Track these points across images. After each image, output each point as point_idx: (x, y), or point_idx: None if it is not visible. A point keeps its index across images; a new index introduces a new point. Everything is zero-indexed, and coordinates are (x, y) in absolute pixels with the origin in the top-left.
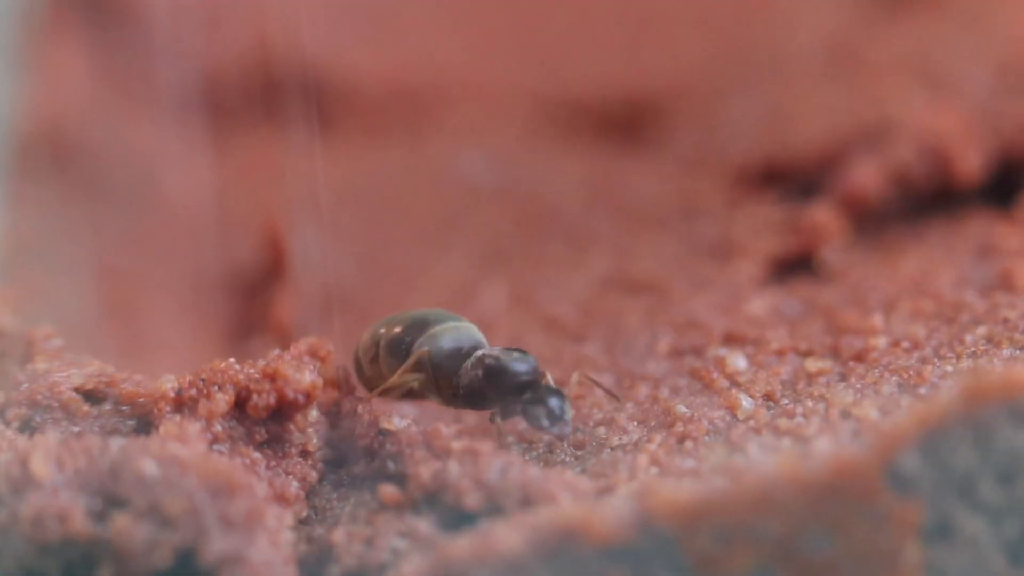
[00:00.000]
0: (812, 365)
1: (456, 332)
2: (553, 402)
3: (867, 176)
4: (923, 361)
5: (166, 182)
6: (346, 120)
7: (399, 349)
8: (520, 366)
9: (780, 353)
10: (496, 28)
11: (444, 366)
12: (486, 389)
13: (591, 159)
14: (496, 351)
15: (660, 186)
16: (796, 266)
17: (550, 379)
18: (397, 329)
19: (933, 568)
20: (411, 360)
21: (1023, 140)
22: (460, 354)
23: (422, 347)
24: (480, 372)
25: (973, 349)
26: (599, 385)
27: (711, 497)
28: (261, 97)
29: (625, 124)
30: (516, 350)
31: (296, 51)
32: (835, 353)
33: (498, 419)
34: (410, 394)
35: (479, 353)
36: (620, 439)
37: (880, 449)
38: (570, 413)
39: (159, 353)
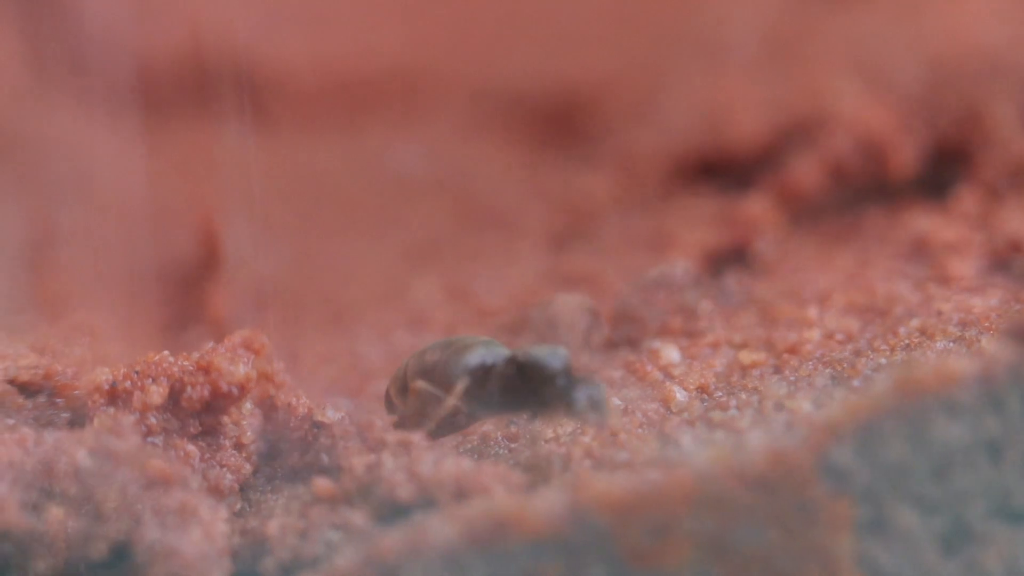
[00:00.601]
0: (746, 357)
1: (485, 347)
2: (593, 390)
3: (802, 169)
4: (857, 353)
5: (99, 174)
6: (281, 112)
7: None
8: (554, 358)
9: (714, 345)
10: (433, 20)
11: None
12: (521, 388)
13: (527, 151)
14: (525, 349)
15: (596, 178)
16: (731, 259)
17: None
18: (430, 356)
19: (867, 561)
20: (459, 386)
21: (957, 132)
22: (485, 366)
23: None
24: (514, 370)
25: (907, 342)
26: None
27: (644, 490)
28: (195, 88)
29: (561, 116)
30: (544, 345)
31: (230, 42)
32: (769, 345)
33: (530, 423)
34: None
35: (507, 354)
36: (554, 432)
37: (813, 442)
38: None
39: (94, 345)
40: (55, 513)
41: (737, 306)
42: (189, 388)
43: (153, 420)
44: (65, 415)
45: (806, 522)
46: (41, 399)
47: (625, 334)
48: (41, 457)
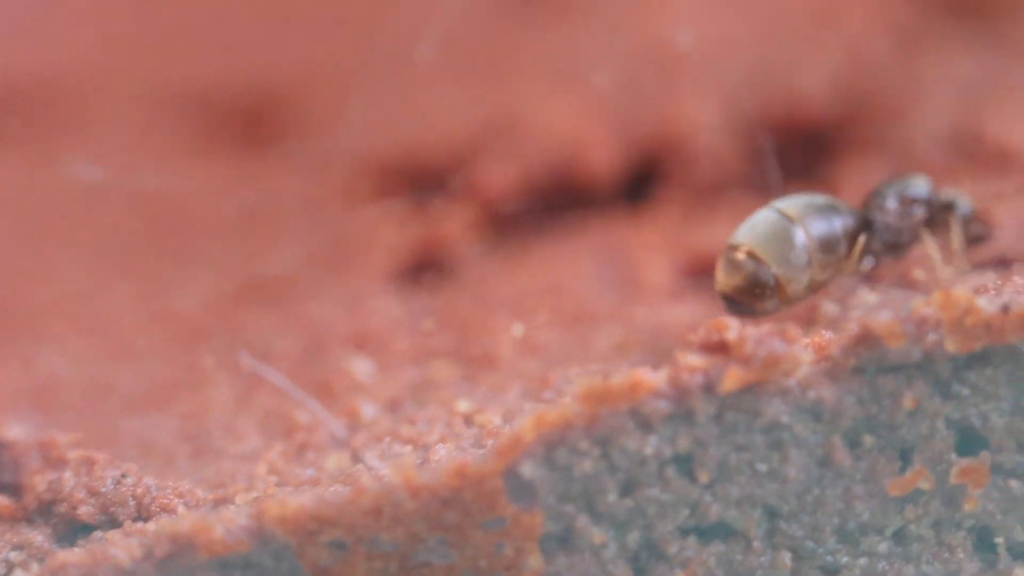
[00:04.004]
0: (437, 370)
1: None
2: (963, 202)
3: (497, 176)
4: (549, 365)
5: None
6: None
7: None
8: (922, 181)
9: (405, 357)
10: (113, 21)
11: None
12: (905, 224)
13: (216, 156)
14: (885, 188)
15: (286, 184)
16: (424, 268)
17: None
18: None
19: None
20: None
21: (654, 140)
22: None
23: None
24: (896, 205)
25: (601, 352)
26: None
27: (327, 506)
28: None
29: (250, 120)
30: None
31: None
32: (461, 357)
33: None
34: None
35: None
36: (239, 448)
37: (501, 456)
38: None
39: None
40: None
41: (430, 316)
42: None
43: None
44: None
45: (494, 538)
46: None
47: (314, 346)
48: None
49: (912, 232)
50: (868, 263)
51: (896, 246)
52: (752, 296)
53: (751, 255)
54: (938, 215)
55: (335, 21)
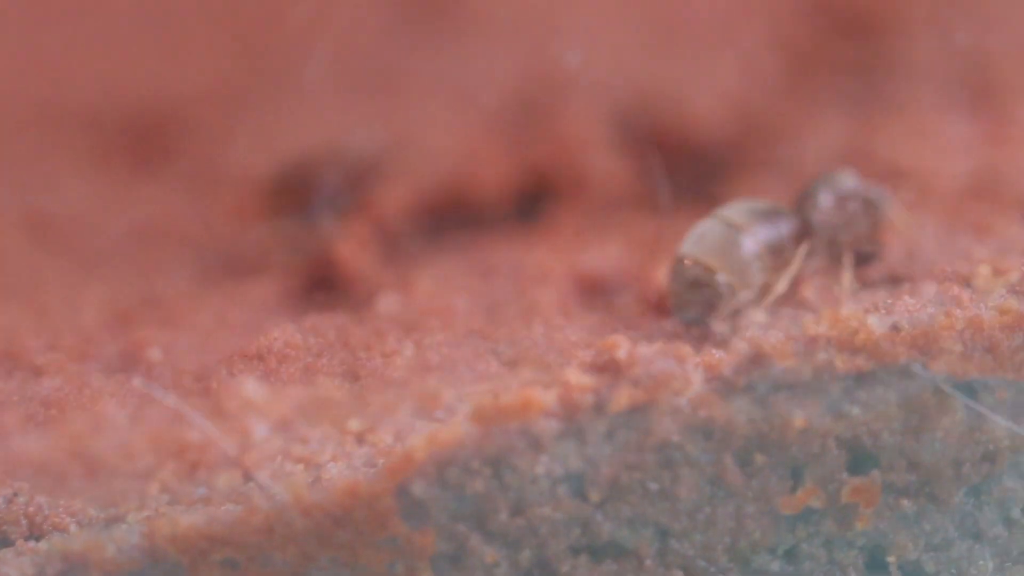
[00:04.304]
0: (329, 389)
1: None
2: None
3: (390, 196)
4: (441, 384)
5: None
6: None
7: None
8: (849, 175)
9: (297, 376)
10: (2, 40)
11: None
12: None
13: (106, 175)
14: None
15: (177, 203)
16: (316, 286)
17: None
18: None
19: None
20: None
21: (546, 159)
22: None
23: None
24: (831, 203)
25: (492, 372)
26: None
27: (220, 525)
28: None
29: (140, 139)
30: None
31: None
32: (354, 375)
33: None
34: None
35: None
36: (131, 466)
37: (392, 475)
38: None
39: None
40: None
41: (322, 335)
42: None
43: None
44: None
45: (386, 557)
46: None
47: (204, 365)
48: None
49: (850, 228)
50: (815, 263)
51: (835, 243)
52: (704, 306)
53: (700, 265)
54: (868, 209)
55: (225, 40)
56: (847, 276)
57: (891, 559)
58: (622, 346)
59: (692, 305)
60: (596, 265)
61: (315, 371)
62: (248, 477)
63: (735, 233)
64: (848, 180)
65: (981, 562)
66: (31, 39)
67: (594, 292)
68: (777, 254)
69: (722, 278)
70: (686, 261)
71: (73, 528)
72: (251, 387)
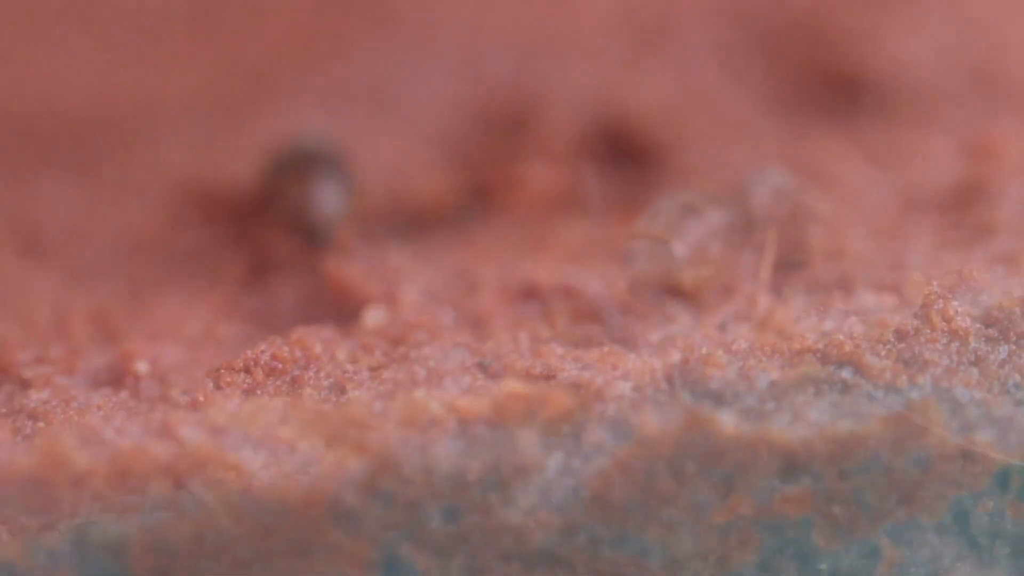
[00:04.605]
0: (263, 397)
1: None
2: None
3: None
4: (377, 391)
5: None
6: None
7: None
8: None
9: (233, 383)
10: None
11: None
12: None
13: (25, 183)
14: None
15: (98, 211)
16: (251, 293)
17: None
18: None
19: None
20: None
21: (490, 168)
22: None
23: None
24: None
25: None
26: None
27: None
28: None
29: (73, 145)
30: None
31: None
32: (288, 385)
33: None
34: None
35: None
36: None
37: (325, 483)
38: None
39: None
40: None
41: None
42: None
43: None
44: None
45: (320, 567)
46: None
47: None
48: None
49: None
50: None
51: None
52: (659, 281)
53: (654, 240)
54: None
55: (156, 49)
56: (766, 268)
57: (822, 567)
58: (557, 353)
59: (648, 281)
60: (533, 271)
61: (250, 379)
62: (179, 484)
63: (689, 212)
64: (779, 175)
65: None
66: None
67: (533, 298)
68: (728, 239)
69: (672, 250)
70: (641, 238)
71: (4, 536)
72: (187, 394)
